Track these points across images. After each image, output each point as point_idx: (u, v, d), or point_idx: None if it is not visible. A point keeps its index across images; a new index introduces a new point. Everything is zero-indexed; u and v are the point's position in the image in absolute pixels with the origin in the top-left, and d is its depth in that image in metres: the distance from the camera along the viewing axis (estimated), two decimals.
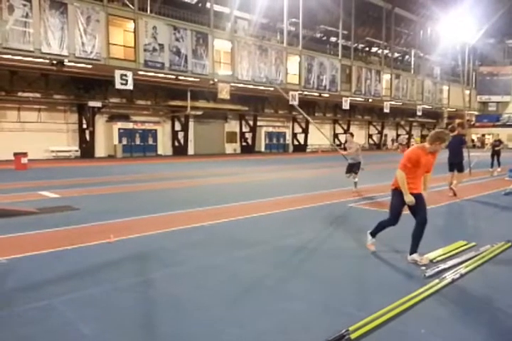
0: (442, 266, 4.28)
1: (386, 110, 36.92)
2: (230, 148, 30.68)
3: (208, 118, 27.87)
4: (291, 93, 28.06)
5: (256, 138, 31.05)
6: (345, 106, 32.75)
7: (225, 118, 30.34)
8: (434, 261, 4.47)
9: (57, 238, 5.50)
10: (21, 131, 21.13)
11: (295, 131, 35.02)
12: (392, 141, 43.13)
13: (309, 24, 30.70)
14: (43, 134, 21.90)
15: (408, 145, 40.95)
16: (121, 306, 3.39)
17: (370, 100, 35.81)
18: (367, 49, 40.02)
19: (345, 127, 38.32)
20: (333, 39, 35.59)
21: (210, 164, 19.82)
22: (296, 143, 34.96)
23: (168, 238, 5.54)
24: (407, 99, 39.56)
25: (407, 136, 43.85)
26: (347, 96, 32.79)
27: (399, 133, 45.90)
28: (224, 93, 24.26)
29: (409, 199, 4.32)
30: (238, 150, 31.22)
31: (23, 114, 21.45)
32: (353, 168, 9.70)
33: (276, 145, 32.87)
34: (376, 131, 42.48)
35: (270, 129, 32.39)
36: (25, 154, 15.84)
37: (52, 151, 22.34)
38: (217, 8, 24.96)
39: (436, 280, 3.88)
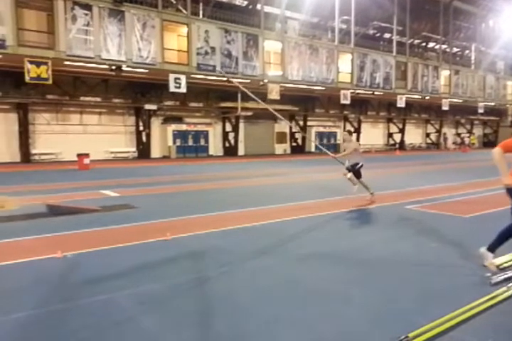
0: (510, 273, 3.99)
1: (445, 108, 35.17)
2: (279, 148, 30.64)
3: (257, 118, 28.02)
4: (342, 92, 27.58)
5: (306, 139, 30.78)
6: (401, 104, 31.60)
7: (275, 119, 30.34)
8: (501, 267, 4.18)
9: (118, 235, 5.76)
10: (84, 134, 22.42)
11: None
12: (445, 140, 40.81)
13: (362, 21, 29.97)
14: (104, 136, 23.10)
15: (464, 144, 38.78)
16: (179, 302, 3.47)
17: (427, 98, 34.29)
18: (423, 44, 38.35)
19: (401, 126, 36.98)
20: (386, 35, 34.48)
21: (260, 164, 19.91)
22: None
23: (221, 237, 5.62)
24: (467, 96, 37.45)
25: (468, 135, 41.59)
26: (402, 94, 31.64)
27: (459, 131, 43.57)
28: (274, 93, 24.28)
29: (507, 181, 3.84)
30: (288, 151, 31.11)
31: (85, 117, 22.77)
32: (353, 170, 8.51)
33: (327, 146, 32.30)
34: (434, 130, 40.59)
35: (321, 129, 31.93)
36: (87, 155, 16.78)
37: (112, 152, 23.50)
38: (267, 9, 25.06)
39: (504, 288, 3.62)
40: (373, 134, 35.92)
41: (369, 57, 29.68)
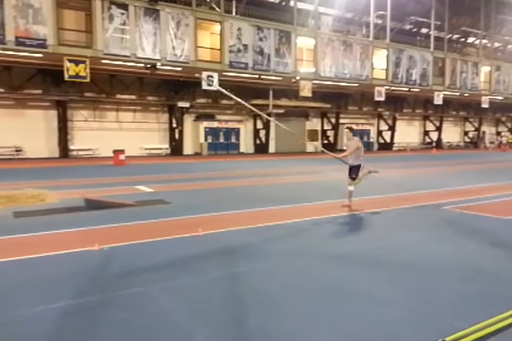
0: None
1: (485, 105, 33.76)
2: (311, 146, 30.40)
3: (289, 116, 27.86)
4: (377, 88, 26.99)
5: (338, 136, 30.35)
6: (438, 101, 30.59)
7: (307, 116, 30.11)
8: None
9: (152, 229, 5.88)
10: (119, 130, 23.03)
11: (380, 129, 33.58)
12: (482, 138, 39.03)
13: (398, 16, 29.15)
14: (138, 133, 23.65)
15: (503, 143, 37.11)
16: (211, 297, 3.50)
17: (465, 95, 33.03)
18: (462, 39, 36.91)
19: (438, 124, 35.84)
20: (424, 30, 33.42)
21: (291, 162, 19.82)
22: (381, 140, 33.51)
23: (253, 234, 5.63)
24: (509, 93, 35.78)
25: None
26: (439, 91, 30.61)
27: (499, 130, 41.76)
28: (306, 91, 24.07)
29: None
30: (319, 149, 30.81)
31: (121, 115, 23.37)
32: (351, 172, 7.69)
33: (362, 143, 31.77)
34: (473, 128, 39.08)
35: (354, 127, 31.36)
36: (122, 151, 17.22)
37: (146, 149, 24.03)
38: (300, 5, 24.83)
39: None
40: (409, 132, 34.97)
41: (405, 53, 28.89)
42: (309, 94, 24.37)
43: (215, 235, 5.54)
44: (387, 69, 28.02)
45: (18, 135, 20.09)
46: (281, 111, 26.21)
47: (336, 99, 29.69)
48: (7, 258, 4.45)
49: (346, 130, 7.96)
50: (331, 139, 30.73)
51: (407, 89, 29.61)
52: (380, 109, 32.13)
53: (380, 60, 27.92)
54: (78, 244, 4.97)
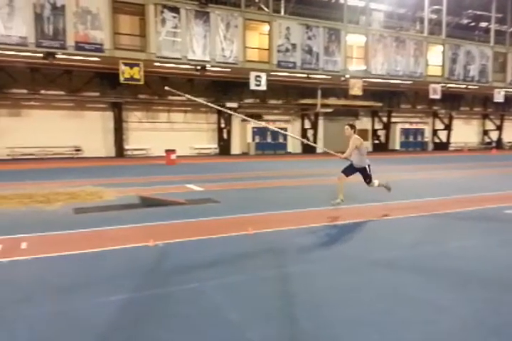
0: None
1: None
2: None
3: (338, 115, 27.39)
4: (432, 86, 25.88)
5: (390, 136, 29.41)
6: (498, 98, 28.82)
7: (356, 115, 29.42)
8: None
9: (203, 227, 5.96)
10: (170, 131, 23.71)
11: (436, 128, 32.12)
12: None
13: (454, 10, 27.77)
14: (188, 133, 24.24)
15: None
16: (263, 296, 3.49)
17: None
18: None
19: (498, 123, 33.73)
20: (483, 24, 31.59)
21: (340, 162, 19.40)
22: (436, 140, 32.05)
23: (302, 234, 5.55)
24: None
25: None
26: (500, 88, 28.80)
27: None
28: (356, 89, 23.55)
29: None
30: (370, 149, 29.98)
31: (172, 115, 24.06)
32: (352, 172, 7.15)
33: (414, 143, 30.53)
34: None
35: (406, 126, 30.23)
36: (174, 151, 17.70)
37: (196, 148, 24.57)
38: (350, 2, 24.32)
39: None
40: (466, 131, 33.17)
41: (462, 48, 27.47)
42: (359, 93, 23.82)
43: (266, 234, 5.52)
44: (443, 66, 26.79)
45: (77, 135, 21.27)
46: (329, 110, 25.81)
47: (388, 98, 28.78)
48: (69, 251, 4.67)
49: (347, 127, 7.23)
50: (382, 139, 29.83)
51: (464, 86, 28.15)
52: (435, 108, 30.73)
53: (435, 56, 26.74)
54: (134, 239, 5.13)
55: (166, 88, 8.65)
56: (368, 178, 7.23)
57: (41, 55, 17.55)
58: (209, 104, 9.34)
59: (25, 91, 20.29)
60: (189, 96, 8.33)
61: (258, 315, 3.12)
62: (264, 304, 3.32)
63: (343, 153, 7.41)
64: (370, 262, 4.38)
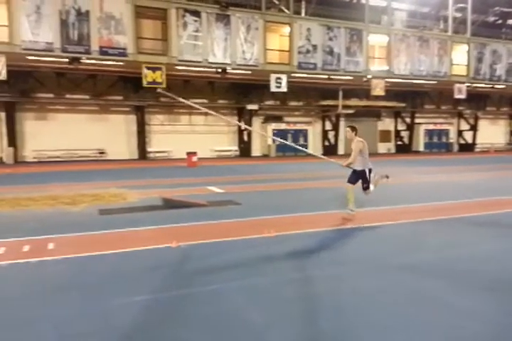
0: None
1: None
2: (383, 147, 29.24)
3: (359, 116, 27.07)
4: (456, 86, 25.30)
5: (413, 137, 28.87)
6: None
7: (379, 116, 29.02)
8: None
9: (225, 229, 5.97)
10: (191, 133, 23.93)
11: (461, 128, 31.35)
12: None
13: (480, 7, 27.09)
14: (209, 135, 24.41)
15: None
16: (286, 298, 3.45)
17: None
18: None
19: None
20: (510, 22, 30.71)
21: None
22: (462, 141, 31.28)
23: (324, 237, 5.49)
24: None
25: None
26: None
27: None
28: (378, 90, 23.24)
29: None
30: (393, 150, 29.54)
31: (193, 118, 24.29)
32: (357, 179, 6.66)
33: (438, 144, 29.84)
34: None
35: (430, 127, 29.60)
36: (195, 153, 17.85)
37: (216, 151, 24.71)
38: (372, 2, 24.04)
39: None
40: (493, 132, 32.24)
41: (488, 47, 26.77)
42: (382, 93, 23.51)
43: (288, 237, 5.48)
44: (468, 65, 26.16)
45: (101, 138, 21.71)
46: (351, 111, 25.54)
47: (411, 98, 28.30)
48: (95, 252, 4.76)
49: (347, 129, 6.83)
50: (406, 140, 29.32)
51: (490, 85, 27.38)
52: (460, 108, 30.01)
53: (459, 56, 26.15)
54: (157, 240, 5.18)
55: (158, 90, 8.56)
56: (365, 183, 6.66)
57: (67, 60, 18.02)
58: (197, 105, 8.93)
59: (51, 95, 20.87)
60: (182, 100, 8.14)
61: (280, 318, 3.09)
62: (287, 306, 3.29)
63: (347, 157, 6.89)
64: (394, 265, 4.29)
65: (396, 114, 29.23)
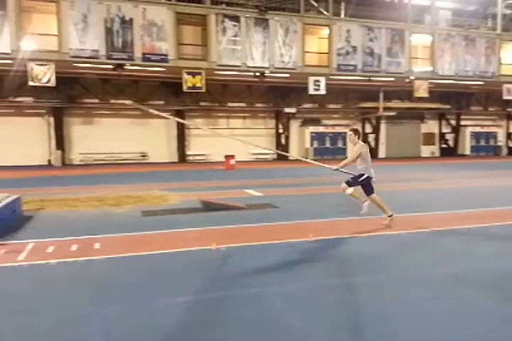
0: None
1: None
2: (426, 150, 28.22)
3: (401, 119, 26.33)
4: (505, 86, 24.08)
5: (459, 140, 27.72)
6: None
7: (422, 119, 28.09)
8: None
9: (264, 232, 5.96)
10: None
11: (510, 131, 29.73)
12: None
13: None
14: (247, 139, 24.50)
15: None
16: (327, 304, 3.40)
17: None
18: None
19: None
20: None
21: (403, 168, 18.62)
22: (511, 144, 29.65)
23: (364, 242, 5.37)
24: None
25: None
26: None
27: None
28: (421, 91, 22.50)
29: None
30: (437, 154, 28.46)
31: (231, 121, 24.53)
32: (355, 184, 6.28)
33: (485, 148, 28.43)
34: None
35: (477, 129, 28.27)
36: (233, 156, 18.00)
37: (254, 154, 24.79)
38: (414, 1, 23.37)
39: None
40: None
41: None
42: (425, 95, 22.75)
43: (327, 241, 5.39)
44: None
45: (143, 142, 22.36)
46: (392, 113, 24.88)
47: (457, 99, 27.19)
48: (138, 252, 4.88)
49: (350, 132, 6.46)
50: (451, 143, 28.20)
51: None
52: (509, 109, 28.50)
53: (509, 55, 24.85)
54: (198, 242, 5.25)
55: (127, 102, 8.39)
56: (352, 183, 6.25)
57: (111, 66, 18.72)
58: (162, 114, 8.26)
59: (96, 100, 21.76)
60: (152, 111, 7.87)
61: (321, 323, 3.04)
62: (328, 313, 3.23)
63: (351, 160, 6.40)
64: (440, 274, 4.11)
65: (440, 116, 28.18)
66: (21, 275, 4.13)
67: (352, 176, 6.34)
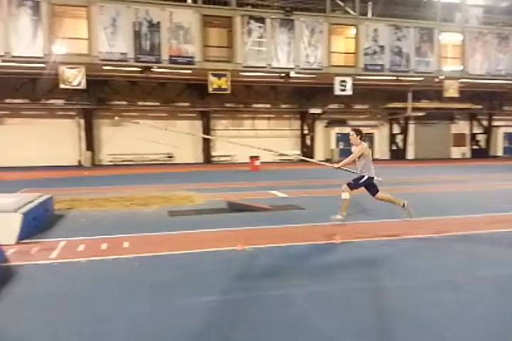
0: None
1: None
2: (457, 151, 27.47)
3: (430, 119, 25.73)
4: None
5: (491, 141, 26.84)
6: None
7: (452, 119, 27.37)
8: None
9: (290, 234, 5.91)
10: (254, 138, 24.17)
11: None
12: None
13: None
14: (271, 140, 24.49)
15: None
16: (355, 307, 3.33)
17: None
18: None
19: None
20: None
21: (433, 170, 18.16)
22: None
23: (393, 245, 5.23)
24: None
25: None
26: None
27: None
28: (451, 91, 21.94)
29: None
30: (467, 155, 27.66)
31: (256, 123, 24.60)
32: (357, 186, 6.20)
33: None
34: None
35: (510, 130, 27.32)
36: (257, 157, 18.01)
37: (279, 155, 24.72)
38: None
39: None
40: None
41: None
42: (455, 95, 22.17)
43: (355, 244, 5.30)
44: None
45: (169, 143, 22.67)
46: (421, 114, 24.35)
47: (488, 99, 26.38)
48: (166, 251, 4.93)
49: (352, 132, 6.30)
50: (482, 144, 27.35)
51: None
52: None
53: None
54: (224, 242, 5.26)
55: (116, 118, 8.56)
56: (353, 185, 6.15)
57: (139, 69, 19.09)
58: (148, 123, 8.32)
59: (124, 102, 22.24)
60: (143, 122, 7.95)
61: (349, 327, 2.98)
62: (356, 316, 3.16)
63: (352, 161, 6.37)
64: (475, 279, 3.97)
65: (471, 117, 27.39)
66: (53, 273, 4.23)
67: (354, 177, 6.30)
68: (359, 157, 6.13)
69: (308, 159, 7.91)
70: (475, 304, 3.37)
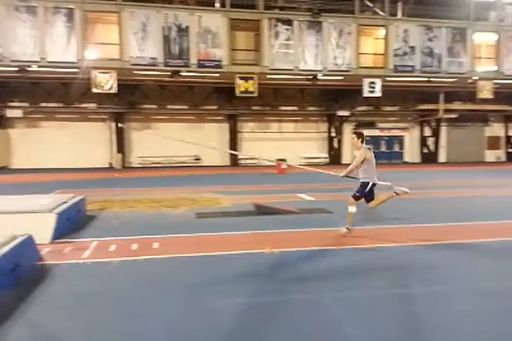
0: None
1: None
2: (491, 155, 26.52)
3: (463, 121, 24.97)
4: None
5: None
6: None
7: (486, 121, 26.46)
8: None
9: (318, 237, 5.85)
10: (281, 140, 24.16)
11: None
12: None
13: None
14: (298, 142, 24.41)
15: None
16: (385, 313, 3.27)
17: None
18: None
19: None
20: None
21: (466, 173, 17.58)
22: None
23: (424, 252, 5.09)
24: None
25: None
26: None
27: None
28: (485, 92, 21.23)
29: None
30: (503, 158, 26.66)
31: (283, 125, 24.54)
32: (363, 194, 5.82)
33: None
34: None
35: None
36: (284, 160, 17.97)
37: (305, 158, 24.58)
38: None
39: None
40: None
41: None
42: (490, 96, 21.43)
43: (384, 249, 5.20)
44: None
45: (197, 145, 22.90)
46: (453, 115, 23.66)
47: None
48: (195, 253, 4.98)
49: (353, 136, 6.03)
50: None
51: None
52: None
53: None
54: (251, 245, 5.26)
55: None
56: (359, 195, 5.81)
57: (168, 73, 19.43)
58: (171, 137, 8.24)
59: (154, 106, 22.66)
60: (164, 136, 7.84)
61: (378, 333, 2.93)
62: (385, 322, 3.11)
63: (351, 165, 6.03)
64: (508, 287, 3.81)
65: (506, 119, 26.40)
66: (87, 272, 4.35)
67: (357, 186, 5.94)
68: (362, 161, 5.81)
69: (309, 168, 7.75)
70: (509, 314, 3.23)
